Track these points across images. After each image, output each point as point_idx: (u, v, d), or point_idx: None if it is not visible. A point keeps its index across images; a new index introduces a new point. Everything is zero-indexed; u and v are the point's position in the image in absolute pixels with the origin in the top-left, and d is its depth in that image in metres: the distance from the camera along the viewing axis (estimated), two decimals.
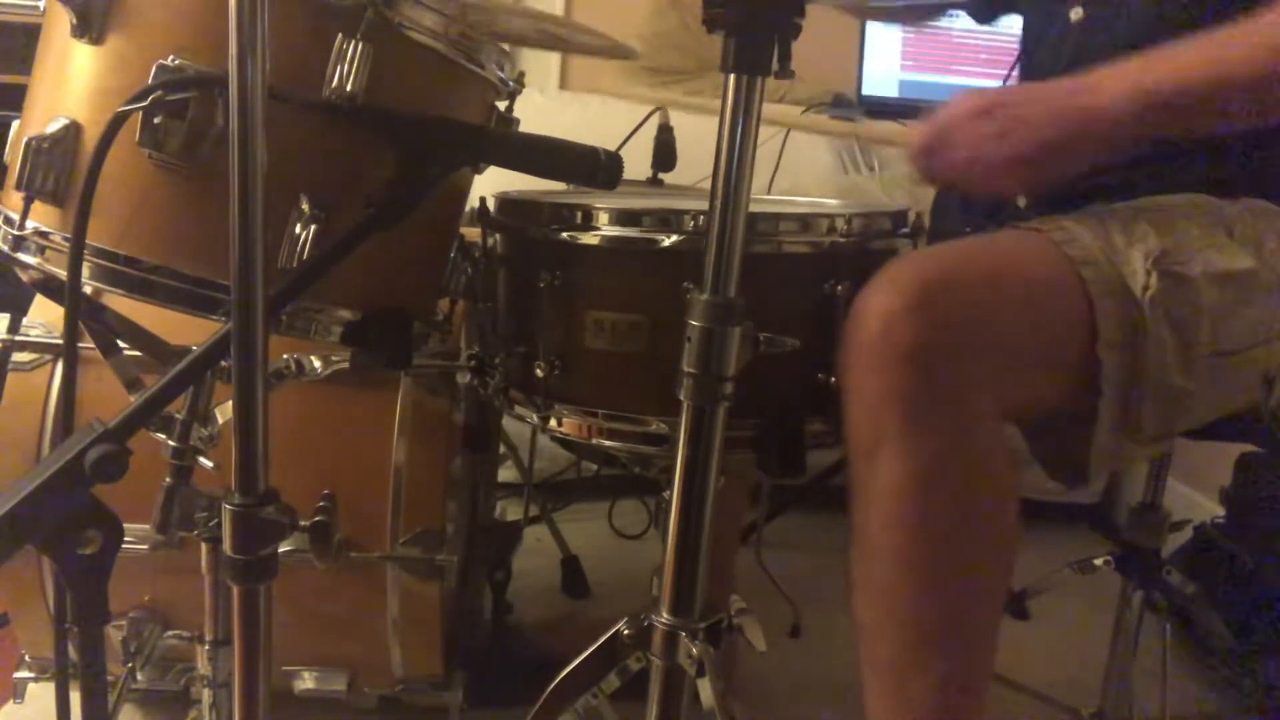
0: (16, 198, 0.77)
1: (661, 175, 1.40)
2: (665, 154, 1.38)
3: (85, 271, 0.76)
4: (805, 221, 0.91)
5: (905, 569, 0.80)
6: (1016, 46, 1.33)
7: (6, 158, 0.81)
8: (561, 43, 1.28)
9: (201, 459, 0.86)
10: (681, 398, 0.73)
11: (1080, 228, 0.87)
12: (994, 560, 0.83)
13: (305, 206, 0.77)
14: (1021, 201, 1.11)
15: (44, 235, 0.78)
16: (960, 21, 2.38)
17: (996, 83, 2.14)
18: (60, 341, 1.13)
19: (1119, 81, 0.84)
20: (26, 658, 1.24)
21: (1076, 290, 0.83)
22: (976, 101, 0.87)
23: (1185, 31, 0.85)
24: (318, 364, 1.01)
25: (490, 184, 1.02)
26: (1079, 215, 0.91)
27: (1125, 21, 1.00)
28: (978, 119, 0.86)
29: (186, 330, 0.86)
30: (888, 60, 2.26)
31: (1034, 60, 1.18)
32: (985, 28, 1.43)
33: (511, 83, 0.94)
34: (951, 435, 0.79)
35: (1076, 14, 1.07)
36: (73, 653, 0.74)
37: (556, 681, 0.89)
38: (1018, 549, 0.84)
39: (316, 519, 0.87)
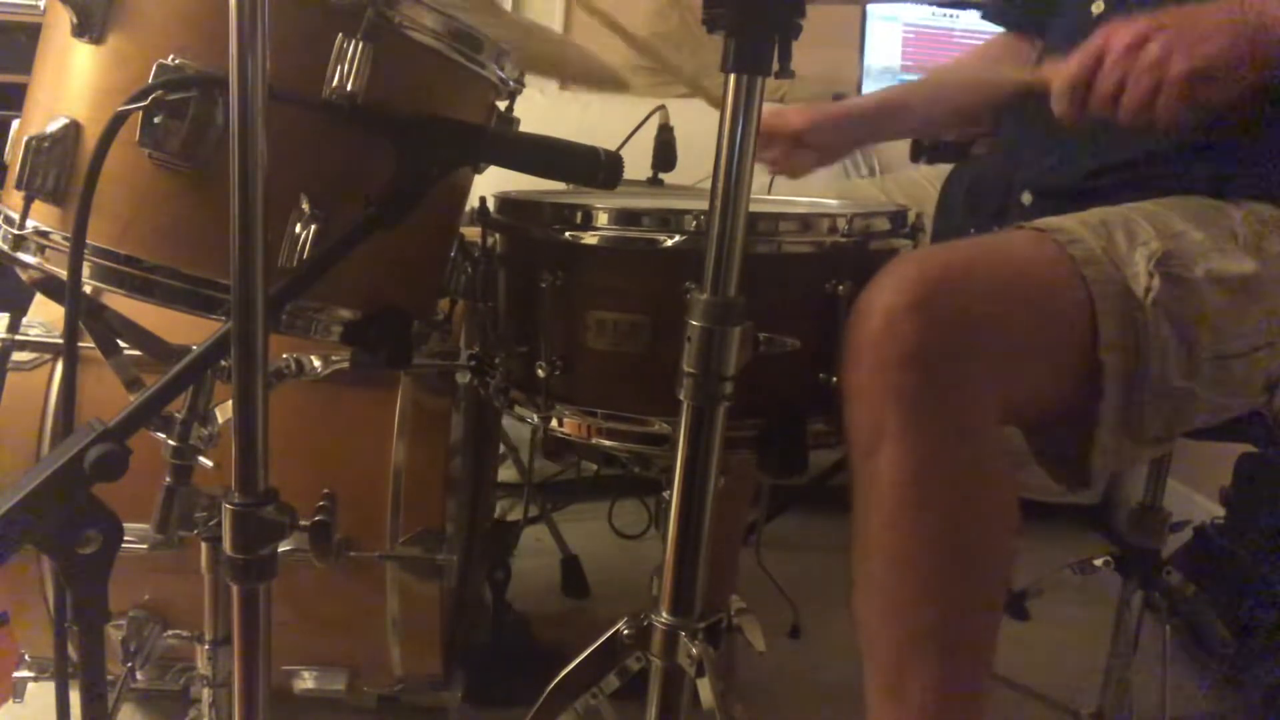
0: (16, 197, 0.77)
1: (661, 175, 1.40)
2: (665, 154, 1.38)
3: (85, 271, 0.76)
4: (806, 221, 0.91)
5: (906, 568, 0.80)
6: None
7: (7, 157, 0.81)
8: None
9: (201, 458, 0.86)
10: (681, 398, 0.73)
11: (1083, 229, 0.87)
12: (994, 560, 0.83)
13: (305, 206, 0.77)
14: (1027, 199, 1.10)
15: (44, 234, 0.78)
16: (961, 21, 2.39)
17: None
18: (60, 341, 1.13)
19: None
20: (26, 657, 1.24)
21: (1079, 291, 0.83)
22: (1133, 30, 0.84)
23: None
24: (318, 364, 1.01)
25: (490, 184, 1.02)
26: (1082, 217, 0.91)
27: (1148, 14, 1.00)
28: (1137, 48, 0.83)
29: (186, 330, 0.86)
30: (888, 60, 2.26)
31: (1051, 55, 1.17)
32: (986, 27, 1.42)
33: (511, 82, 0.94)
34: (953, 434, 0.79)
35: (1098, 7, 1.07)
36: (73, 652, 0.74)
37: (556, 681, 0.89)
38: (1018, 549, 0.84)
39: (316, 519, 0.87)
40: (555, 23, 2.71)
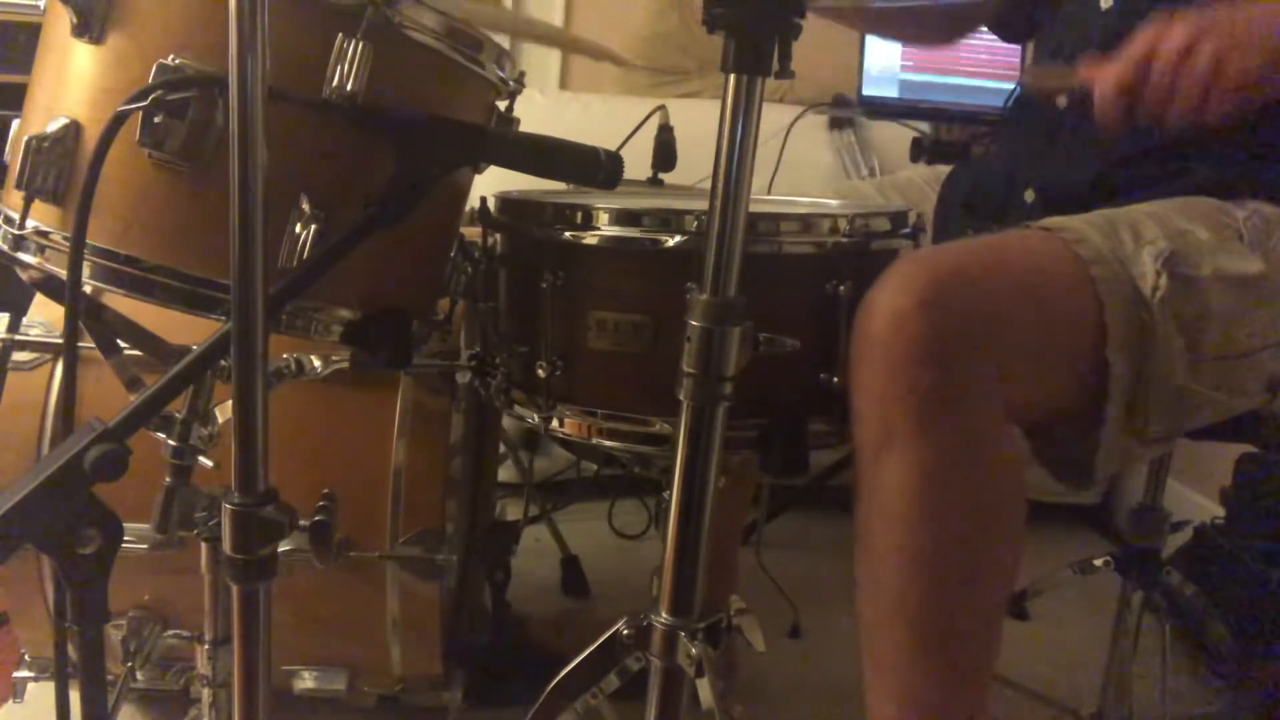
0: (16, 197, 0.77)
1: (661, 175, 1.40)
2: (665, 154, 1.38)
3: (85, 271, 0.76)
4: (806, 222, 0.91)
5: (910, 567, 0.80)
6: (1017, 47, 1.32)
7: (7, 157, 0.81)
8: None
9: (201, 458, 0.86)
10: (681, 398, 0.73)
11: (1090, 229, 0.87)
12: (1000, 560, 0.83)
13: (305, 206, 0.77)
14: (1030, 197, 1.10)
15: (44, 234, 0.78)
16: None
17: (997, 83, 2.15)
18: (60, 341, 1.13)
19: None
20: (26, 657, 1.24)
21: (1086, 290, 0.83)
22: (1182, 33, 0.83)
23: None
24: (318, 364, 1.01)
25: (490, 184, 1.02)
26: (1088, 217, 0.91)
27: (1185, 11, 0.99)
28: (1187, 54, 0.82)
29: (186, 330, 0.85)
30: (888, 60, 2.25)
31: (1059, 48, 1.16)
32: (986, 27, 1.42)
33: (512, 82, 0.94)
34: (961, 433, 0.78)
35: (1106, 3, 1.07)
36: (73, 652, 0.74)
37: (556, 681, 0.89)
38: (1023, 549, 0.84)
39: (316, 519, 0.87)
40: (556, 20, 2.71)
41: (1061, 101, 1.09)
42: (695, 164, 1.17)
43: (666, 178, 1.38)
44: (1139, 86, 0.85)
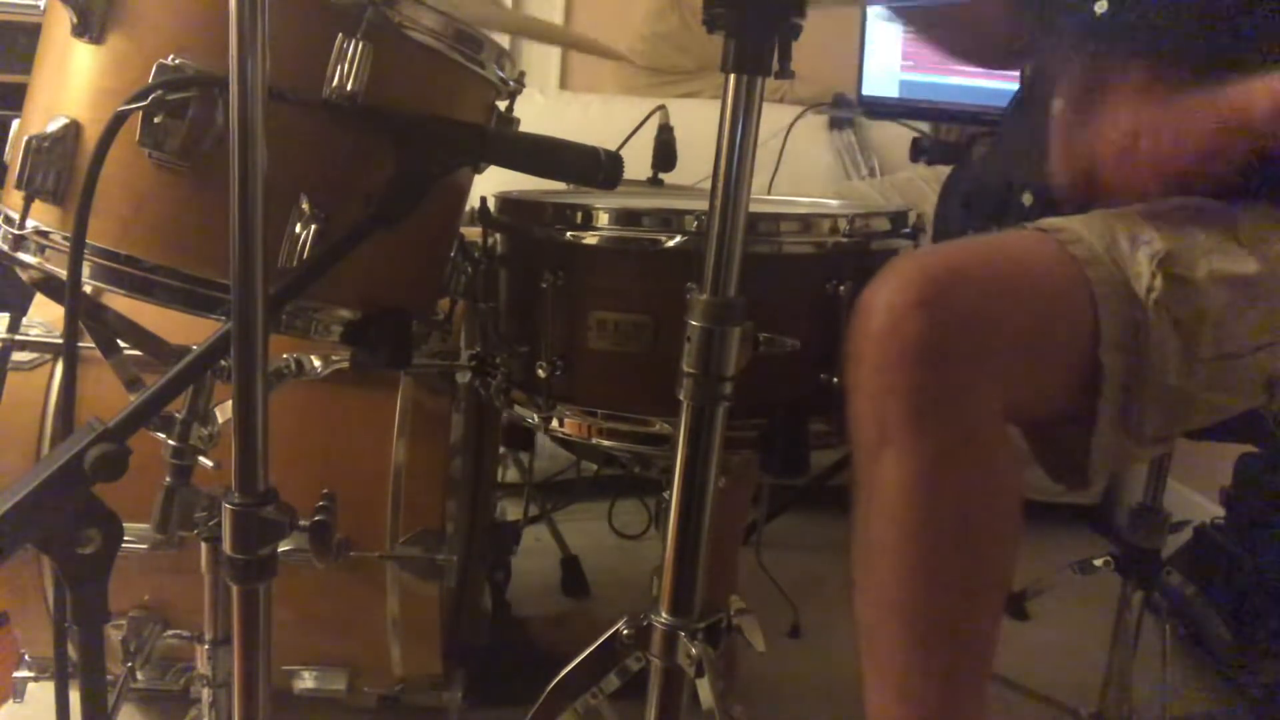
0: (16, 197, 0.77)
1: (661, 175, 1.40)
2: (665, 154, 1.38)
3: (85, 271, 0.76)
4: (806, 222, 0.91)
5: (908, 567, 0.80)
6: None
7: (6, 157, 0.81)
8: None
9: (201, 458, 0.86)
10: (681, 398, 0.73)
11: (1086, 229, 0.87)
12: (997, 559, 0.83)
13: (305, 206, 0.77)
14: (1027, 199, 1.11)
15: (44, 234, 0.78)
16: None
17: (998, 83, 2.15)
18: (60, 341, 1.13)
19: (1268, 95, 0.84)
20: (26, 657, 1.24)
21: (1081, 290, 0.83)
22: (1120, 134, 0.88)
23: (1213, 21, 0.85)
24: (318, 363, 1.01)
25: (490, 184, 1.02)
26: (1084, 217, 0.91)
27: (1153, 12, 1.00)
28: (1126, 154, 0.88)
29: (186, 330, 0.86)
30: (888, 60, 2.25)
31: (1055, 54, 1.16)
32: None
33: (511, 82, 0.94)
34: (958, 432, 0.78)
35: (1101, 7, 1.07)
36: (73, 652, 0.74)
37: (556, 681, 0.89)
38: (1021, 548, 0.84)
39: (316, 518, 0.87)
40: (556, 18, 2.71)
41: (1056, 106, 1.09)
42: (695, 164, 1.17)
43: (666, 178, 1.38)
44: (1087, 183, 0.90)
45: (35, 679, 1.23)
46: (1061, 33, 1.17)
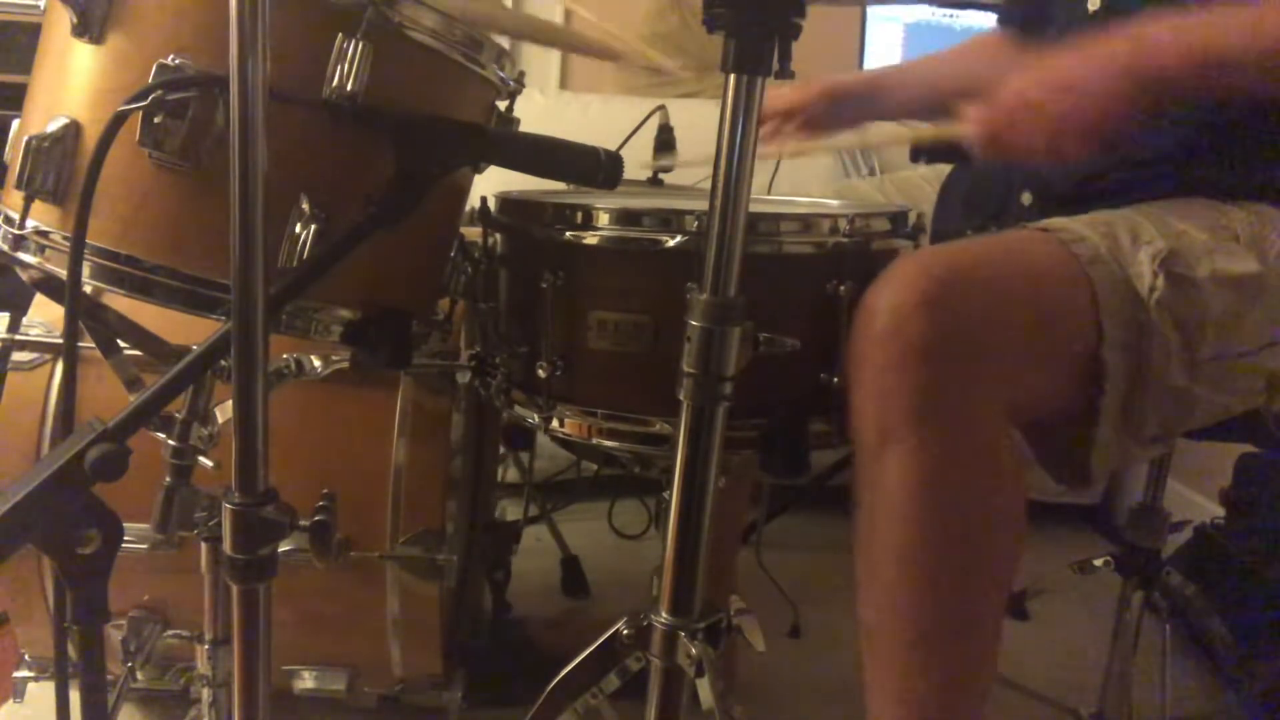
0: (16, 197, 0.77)
1: (661, 175, 1.40)
2: (666, 153, 1.38)
3: (85, 271, 0.76)
4: (806, 222, 0.91)
5: (910, 566, 0.80)
6: None
7: (6, 157, 0.81)
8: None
9: (201, 458, 0.86)
10: (681, 398, 0.73)
11: (1088, 229, 0.87)
12: (1000, 559, 0.83)
13: (305, 206, 0.77)
14: (1026, 199, 1.11)
15: (44, 234, 0.78)
16: (960, 21, 2.39)
17: None
18: (60, 341, 1.13)
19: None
20: (26, 657, 1.24)
21: (1083, 290, 0.83)
22: (1031, 85, 0.86)
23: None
24: (318, 364, 1.01)
25: (490, 184, 1.02)
26: (1086, 217, 0.91)
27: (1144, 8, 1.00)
28: (1040, 105, 0.85)
29: (186, 330, 0.86)
30: (888, 60, 2.25)
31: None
32: (986, 26, 1.42)
33: (512, 82, 0.94)
34: (960, 432, 0.79)
35: (1094, 4, 1.07)
36: (73, 652, 0.74)
37: (556, 681, 0.89)
38: (1023, 548, 0.84)
39: (316, 519, 0.87)
40: (556, 20, 2.71)
41: None
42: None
43: (666, 178, 1.38)
44: (998, 139, 0.88)
45: (35, 679, 1.23)
46: (1056, 29, 1.17)
